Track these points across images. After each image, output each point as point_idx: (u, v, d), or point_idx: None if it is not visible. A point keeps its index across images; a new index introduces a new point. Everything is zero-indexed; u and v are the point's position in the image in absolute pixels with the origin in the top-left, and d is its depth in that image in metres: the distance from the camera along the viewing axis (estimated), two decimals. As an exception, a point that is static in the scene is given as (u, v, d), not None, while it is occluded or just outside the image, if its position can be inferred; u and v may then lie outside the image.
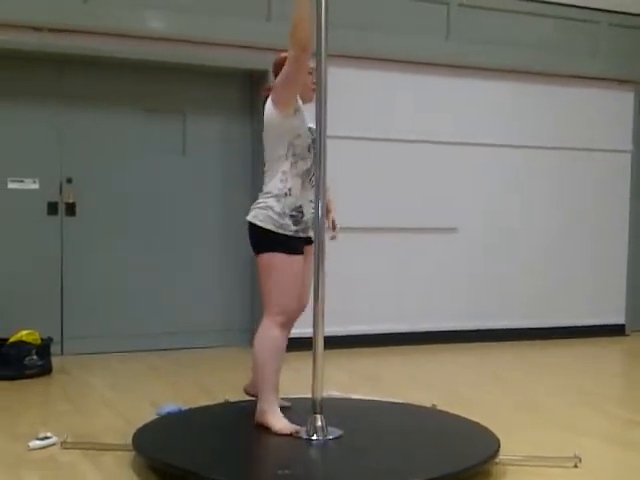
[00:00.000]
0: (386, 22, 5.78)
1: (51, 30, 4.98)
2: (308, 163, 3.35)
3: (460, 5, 6.00)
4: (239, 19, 5.41)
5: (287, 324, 3.38)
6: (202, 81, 5.64)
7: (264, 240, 3.31)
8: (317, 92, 3.26)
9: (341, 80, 5.26)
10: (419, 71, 5.95)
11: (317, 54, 3.24)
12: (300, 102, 3.36)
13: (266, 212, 3.30)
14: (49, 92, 5.28)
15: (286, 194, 3.31)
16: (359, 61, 5.70)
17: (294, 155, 3.33)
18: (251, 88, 5.76)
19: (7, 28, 4.89)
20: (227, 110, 5.75)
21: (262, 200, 3.34)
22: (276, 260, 3.29)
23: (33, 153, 5.27)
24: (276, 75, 3.37)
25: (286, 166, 3.33)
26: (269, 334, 3.33)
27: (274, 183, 3.33)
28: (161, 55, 5.30)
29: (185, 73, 5.55)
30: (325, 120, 3.24)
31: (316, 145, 3.25)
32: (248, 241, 3.38)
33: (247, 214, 3.38)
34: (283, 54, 3.38)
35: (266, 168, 3.40)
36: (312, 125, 3.34)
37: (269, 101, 3.34)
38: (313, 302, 3.27)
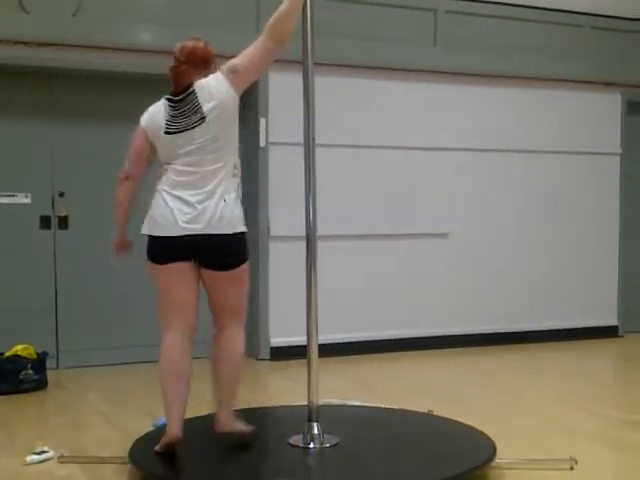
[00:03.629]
0: (373, 30, 5.81)
1: (40, 45, 5.00)
2: None
3: (447, 12, 6.04)
4: (228, 30, 5.41)
5: None
6: (192, 92, 5.65)
7: (246, 246, 3.19)
8: (305, 100, 3.27)
9: (329, 88, 5.28)
10: (407, 78, 5.98)
11: (304, 62, 3.26)
12: None
13: (240, 215, 3.12)
14: (40, 106, 5.29)
15: (237, 189, 3.15)
16: (347, 69, 5.73)
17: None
18: (242, 98, 5.76)
19: (-3, 43, 4.91)
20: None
21: (228, 201, 3.07)
22: (247, 265, 3.22)
23: (24, 167, 5.27)
24: (193, 64, 3.21)
25: (237, 158, 3.16)
26: (243, 341, 3.31)
27: (231, 180, 3.12)
28: (151, 68, 5.29)
29: (175, 85, 5.56)
30: (313, 128, 3.27)
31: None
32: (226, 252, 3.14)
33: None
34: (198, 44, 3.27)
35: (211, 158, 3.08)
36: None
37: (223, 81, 3.12)
38: (306, 310, 3.28)
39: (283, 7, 3.13)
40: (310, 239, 3.27)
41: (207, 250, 3.08)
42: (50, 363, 5.01)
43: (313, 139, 3.28)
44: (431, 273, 6.12)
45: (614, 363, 6.14)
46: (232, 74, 3.12)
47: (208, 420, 3.75)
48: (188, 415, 3.87)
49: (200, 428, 3.62)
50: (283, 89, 5.46)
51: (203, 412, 3.96)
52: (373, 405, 3.99)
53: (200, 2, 5.39)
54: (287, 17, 3.10)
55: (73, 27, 5.03)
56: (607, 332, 6.66)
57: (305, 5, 3.23)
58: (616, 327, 6.75)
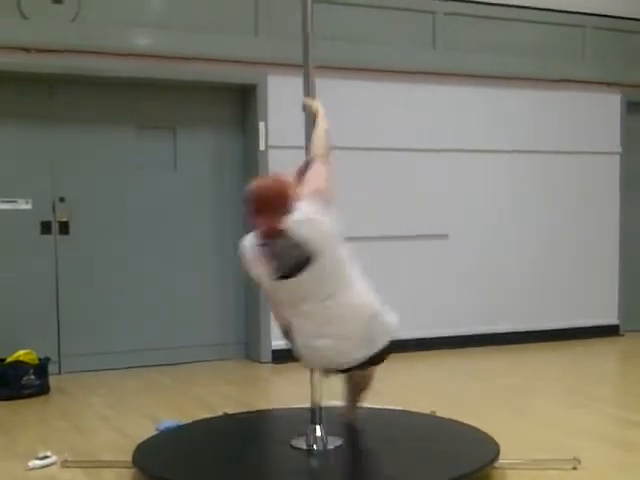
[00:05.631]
0: (372, 32, 5.82)
1: (40, 50, 5.01)
2: None
3: (446, 14, 6.05)
4: (227, 34, 5.44)
5: None
6: (192, 97, 5.66)
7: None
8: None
9: (328, 90, 5.29)
10: (407, 80, 5.99)
11: (304, 65, 3.27)
12: None
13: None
14: (40, 112, 5.30)
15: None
16: (347, 72, 5.73)
17: None
18: (241, 102, 5.79)
19: (-4, 49, 4.92)
20: (217, 125, 5.77)
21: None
22: None
23: (25, 173, 5.27)
24: (271, 207, 2.87)
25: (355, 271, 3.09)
26: None
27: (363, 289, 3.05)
28: (150, 72, 5.32)
29: (174, 89, 5.57)
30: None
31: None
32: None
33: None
34: (266, 184, 3.01)
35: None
36: None
37: (315, 213, 2.91)
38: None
39: (320, 131, 3.22)
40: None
41: None
42: (52, 368, 5.01)
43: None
44: (431, 274, 6.12)
45: (615, 362, 6.14)
46: (318, 196, 3.01)
47: (210, 423, 3.76)
48: (191, 418, 3.88)
49: (203, 432, 3.62)
50: (282, 92, 5.47)
51: (204, 415, 3.96)
52: (376, 406, 3.99)
53: (199, 7, 5.40)
54: (326, 133, 3.23)
55: (72, 33, 5.04)
56: (608, 331, 6.66)
57: (305, 8, 3.24)
58: (617, 326, 6.74)
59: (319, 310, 2.91)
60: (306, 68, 3.27)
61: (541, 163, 6.45)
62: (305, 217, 2.89)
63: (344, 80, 5.72)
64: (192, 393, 4.72)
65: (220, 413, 3.91)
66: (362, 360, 2.97)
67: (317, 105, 3.30)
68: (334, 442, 3.25)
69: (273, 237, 2.87)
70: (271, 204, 2.87)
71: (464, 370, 5.45)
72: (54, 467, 3.28)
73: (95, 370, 5.30)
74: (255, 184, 2.99)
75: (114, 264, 5.47)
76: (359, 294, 3.00)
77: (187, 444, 3.44)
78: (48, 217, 5.33)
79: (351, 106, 5.78)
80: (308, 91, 3.27)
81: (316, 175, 3.04)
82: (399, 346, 6.24)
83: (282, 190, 2.92)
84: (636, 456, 3.41)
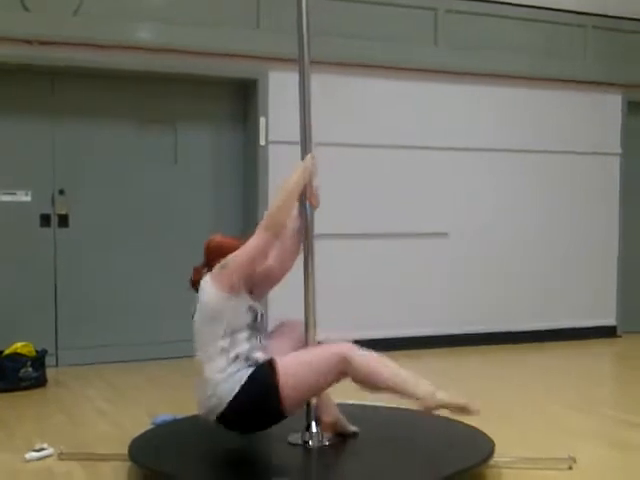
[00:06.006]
0: (374, 29, 5.81)
1: (42, 43, 5.00)
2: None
3: (448, 11, 6.04)
4: (229, 28, 5.44)
5: None
6: (193, 91, 5.66)
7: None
8: (301, 98, 3.27)
9: (329, 87, 5.29)
10: (408, 77, 5.98)
11: (300, 60, 3.26)
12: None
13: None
14: (41, 104, 5.30)
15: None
16: (347, 68, 5.74)
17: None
18: (242, 97, 5.79)
19: (-2, 41, 4.91)
20: (218, 119, 5.77)
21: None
22: None
23: (25, 165, 5.27)
24: (212, 259, 3.12)
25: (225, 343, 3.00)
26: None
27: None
28: (151, 65, 5.32)
29: (175, 83, 5.57)
30: (310, 127, 3.26)
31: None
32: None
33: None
34: (216, 238, 3.20)
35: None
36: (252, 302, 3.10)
37: (207, 279, 3.03)
38: (304, 309, 3.29)
39: (281, 196, 3.10)
40: (308, 238, 3.27)
41: None
42: (49, 361, 5.02)
43: (310, 138, 3.27)
44: (431, 273, 6.12)
45: (613, 363, 6.15)
46: (220, 269, 3.02)
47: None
48: (186, 413, 3.88)
49: (199, 426, 3.62)
50: (283, 88, 5.47)
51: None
52: (372, 404, 3.99)
53: (200, 1, 5.39)
54: (284, 207, 3.07)
55: (74, 25, 5.04)
56: (606, 332, 6.67)
57: (300, 2, 3.22)
58: (615, 327, 6.75)
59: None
60: (302, 64, 3.24)
61: (540, 163, 6.45)
62: (207, 277, 3.08)
63: (343, 76, 5.72)
64: (189, 387, 4.71)
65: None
66: (204, 415, 3.09)
67: (301, 164, 3.19)
68: (330, 438, 3.25)
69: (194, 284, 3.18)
70: (205, 255, 3.22)
71: (461, 369, 5.46)
72: (51, 459, 3.29)
73: (93, 363, 5.30)
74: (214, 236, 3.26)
75: (113, 258, 5.47)
76: (209, 369, 3.01)
77: (183, 439, 3.44)
78: (47, 210, 5.33)
79: (351, 103, 5.78)
80: (304, 85, 3.25)
81: (244, 246, 3.05)
82: (397, 344, 6.28)
83: (217, 247, 3.17)
84: (632, 457, 3.42)
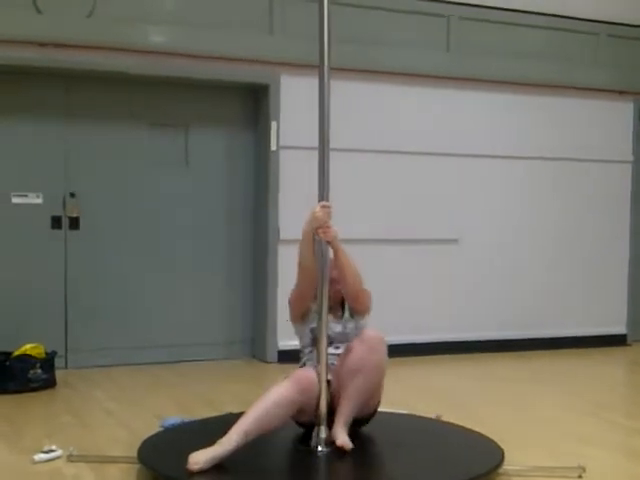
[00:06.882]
0: (386, 35, 5.82)
1: (56, 46, 5.02)
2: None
3: (460, 18, 6.04)
4: (241, 33, 5.45)
5: None
6: (205, 95, 5.67)
7: None
8: (320, 105, 3.29)
9: (343, 93, 5.29)
10: (420, 83, 5.98)
11: (320, 67, 3.28)
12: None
13: None
14: (53, 107, 5.32)
15: None
16: (360, 74, 5.74)
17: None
18: (253, 101, 5.80)
19: (12, 44, 4.92)
20: (230, 123, 5.78)
21: None
22: None
23: (37, 168, 5.29)
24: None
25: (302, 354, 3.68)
26: None
27: None
28: (164, 69, 5.34)
29: (188, 87, 5.58)
30: (328, 133, 3.28)
31: None
32: None
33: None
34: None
35: None
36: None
37: None
38: (317, 330, 3.32)
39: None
40: (320, 242, 3.29)
41: None
42: (59, 362, 5.03)
43: (328, 143, 3.29)
44: (441, 279, 6.11)
45: (623, 371, 6.12)
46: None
47: (215, 421, 3.76)
48: (195, 416, 3.88)
49: (208, 429, 3.62)
50: (295, 93, 5.48)
51: (209, 413, 3.97)
52: (380, 409, 3.99)
53: (213, 3, 5.41)
54: (300, 250, 3.64)
55: (88, 29, 5.06)
56: (616, 340, 6.64)
57: (322, 10, 3.24)
58: (625, 336, 6.72)
59: None
60: (321, 69, 3.27)
61: (551, 170, 6.43)
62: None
63: (356, 82, 5.72)
64: (197, 391, 4.73)
65: (225, 412, 3.91)
66: None
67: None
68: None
69: None
70: None
71: (472, 375, 5.45)
72: (59, 461, 3.29)
73: (102, 365, 5.31)
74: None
75: (123, 261, 5.48)
76: None
77: (192, 442, 3.43)
78: (59, 212, 5.35)
79: (363, 108, 5.78)
80: (323, 92, 3.26)
81: None
82: (406, 349, 6.27)
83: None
84: (642, 466, 3.40)
